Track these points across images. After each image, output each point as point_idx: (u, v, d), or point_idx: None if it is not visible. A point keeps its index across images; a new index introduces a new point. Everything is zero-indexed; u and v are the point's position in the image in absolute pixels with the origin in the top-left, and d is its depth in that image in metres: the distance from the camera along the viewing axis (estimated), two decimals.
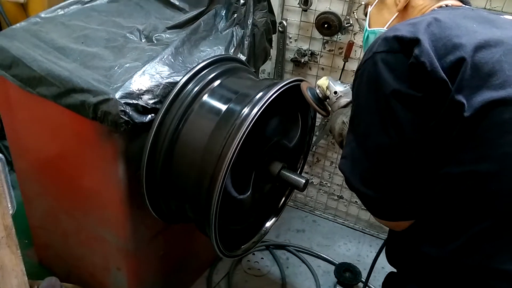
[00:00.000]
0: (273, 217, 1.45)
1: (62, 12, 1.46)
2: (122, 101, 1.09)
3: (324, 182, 2.32)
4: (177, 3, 1.52)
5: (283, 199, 1.49)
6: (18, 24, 1.37)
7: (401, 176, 0.77)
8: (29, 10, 1.80)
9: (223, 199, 1.06)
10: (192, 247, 1.72)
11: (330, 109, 1.17)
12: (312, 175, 2.34)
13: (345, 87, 1.12)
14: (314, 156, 2.27)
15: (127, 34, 1.38)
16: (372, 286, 1.87)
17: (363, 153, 0.80)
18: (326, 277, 1.98)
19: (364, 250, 2.18)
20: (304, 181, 1.22)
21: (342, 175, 0.90)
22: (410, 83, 0.73)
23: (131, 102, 1.11)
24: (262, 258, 2.05)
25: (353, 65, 1.93)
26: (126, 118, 1.09)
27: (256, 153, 1.21)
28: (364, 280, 1.89)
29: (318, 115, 1.49)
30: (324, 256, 2.08)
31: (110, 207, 1.31)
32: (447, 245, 0.73)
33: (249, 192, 1.19)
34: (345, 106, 1.10)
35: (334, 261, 2.03)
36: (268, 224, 1.42)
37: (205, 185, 1.06)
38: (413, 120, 0.73)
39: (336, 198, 2.33)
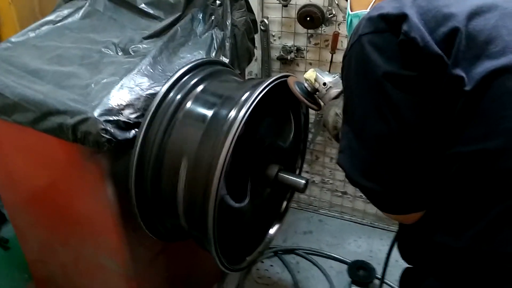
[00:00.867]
0: (277, 223, 1.38)
1: (34, 34, 1.40)
2: (102, 118, 1.03)
3: (326, 180, 2.26)
4: (151, 11, 1.46)
5: (285, 203, 1.42)
6: None
7: (406, 164, 0.70)
8: (1, 36, 1.74)
9: (220, 209, 1.00)
10: (197, 262, 1.65)
11: (321, 102, 1.10)
12: (312, 174, 2.27)
13: (334, 77, 1.06)
14: (312, 154, 2.20)
15: (103, 49, 1.33)
16: (389, 282, 1.80)
17: (361, 144, 0.74)
18: (339, 277, 1.91)
19: (375, 245, 2.11)
20: (304, 181, 1.15)
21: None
22: (403, 63, 0.67)
23: (111, 119, 1.05)
24: (272, 265, 1.98)
25: (341, 57, 1.84)
26: (108, 137, 1.03)
27: (249, 157, 1.15)
28: (379, 276, 1.82)
29: (311, 111, 1.43)
30: (335, 255, 2.01)
31: (104, 231, 1.24)
32: (463, 232, 0.67)
33: (247, 200, 1.12)
34: (337, 96, 1.04)
35: (346, 260, 1.96)
36: (272, 231, 1.35)
37: (199, 198, 1.00)
38: (411, 102, 0.67)
39: (340, 194, 2.26)
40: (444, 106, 0.65)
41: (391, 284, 1.80)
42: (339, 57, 1.87)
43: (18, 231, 1.57)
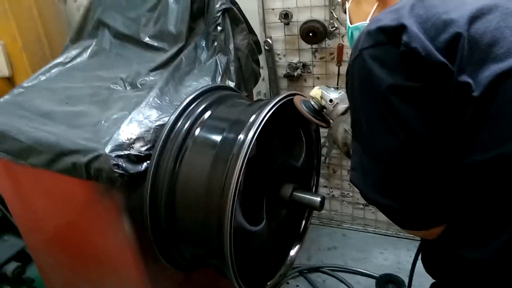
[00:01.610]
0: (297, 244, 1.35)
1: (44, 77, 1.45)
2: (113, 154, 1.04)
3: (345, 193, 2.22)
4: (155, 44, 1.49)
5: (304, 222, 1.40)
6: (2, 98, 1.35)
7: (420, 178, 0.68)
8: (15, 82, 1.80)
9: (237, 235, 0.99)
10: None
11: (329, 119, 1.09)
12: (331, 188, 2.24)
13: (340, 93, 1.05)
14: (329, 168, 2.17)
15: (111, 86, 1.36)
16: None
17: (372, 160, 0.72)
18: None
19: (402, 256, 2.04)
20: (319, 199, 1.13)
21: None
22: (406, 74, 0.65)
23: (122, 153, 1.06)
24: (297, 285, 1.93)
25: None
26: (121, 171, 1.04)
27: (263, 179, 1.14)
28: None
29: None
30: (362, 270, 1.95)
31: (124, 266, 1.23)
32: (487, 244, 0.63)
33: (263, 223, 1.11)
34: (344, 112, 1.03)
35: (374, 274, 1.90)
36: (292, 252, 1.33)
37: (214, 225, 0.99)
38: (418, 113, 0.65)
39: (362, 206, 2.21)
40: (453, 115, 0.63)
41: None
42: (346, 69, 1.86)
43: (42, 271, 1.59)
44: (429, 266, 0.81)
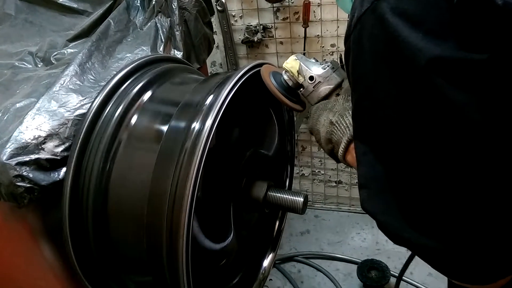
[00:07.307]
0: (271, 252, 1.11)
1: None
2: (13, 162, 0.73)
3: (316, 171, 2.01)
4: (75, 5, 1.15)
5: (277, 224, 1.15)
6: None
7: (480, 199, 0.41)
8: None
9: (196, 257, 0.73)
10: None
11: (306, 100, 0.81)
12: (301, 167, 2.02)
13: (324, 68, 0.76)
14: (298, 145, 1.95)
15: (16, 63, 1.03)
16: (407, 279, 1.59)
17: (395, 170, 0.46)
18: (349, 280, 1.68)
19: (381, 235, 1.84)
20: (302, 199, 0.88)
21: None
22: (461, 39, 0.38)
23: (28, 159, 0.75)
24: (271, 279, 1.73)
25: (316, 30, 1.60)
26: (27, 185, 0.74)
27: (227, 178, 0.88)
28: (393, 273, 1.61)
29: None
30: (340, 256, 1.78)
31: None
32: None
33: (231, 235, 0.85)
34: (328, 96, 0.75)
35: (353, 259, 1.74)
36: (266, 263, 1.09)
37: (164, 247, 0.72)
38: (479, 102, 0.38)
39: (334, 184, 2.02)
40: None
41: (409, 280, 1.59)
42: (313, 30, 1.60)
43: None
44: None
